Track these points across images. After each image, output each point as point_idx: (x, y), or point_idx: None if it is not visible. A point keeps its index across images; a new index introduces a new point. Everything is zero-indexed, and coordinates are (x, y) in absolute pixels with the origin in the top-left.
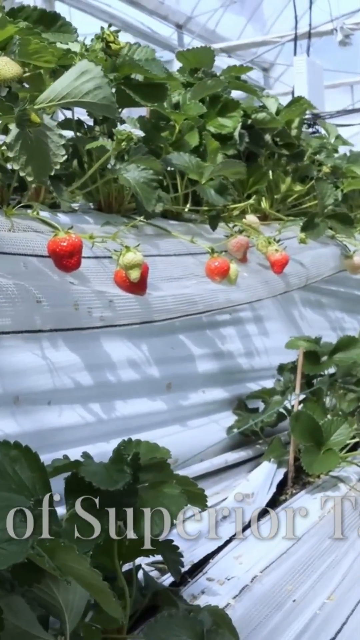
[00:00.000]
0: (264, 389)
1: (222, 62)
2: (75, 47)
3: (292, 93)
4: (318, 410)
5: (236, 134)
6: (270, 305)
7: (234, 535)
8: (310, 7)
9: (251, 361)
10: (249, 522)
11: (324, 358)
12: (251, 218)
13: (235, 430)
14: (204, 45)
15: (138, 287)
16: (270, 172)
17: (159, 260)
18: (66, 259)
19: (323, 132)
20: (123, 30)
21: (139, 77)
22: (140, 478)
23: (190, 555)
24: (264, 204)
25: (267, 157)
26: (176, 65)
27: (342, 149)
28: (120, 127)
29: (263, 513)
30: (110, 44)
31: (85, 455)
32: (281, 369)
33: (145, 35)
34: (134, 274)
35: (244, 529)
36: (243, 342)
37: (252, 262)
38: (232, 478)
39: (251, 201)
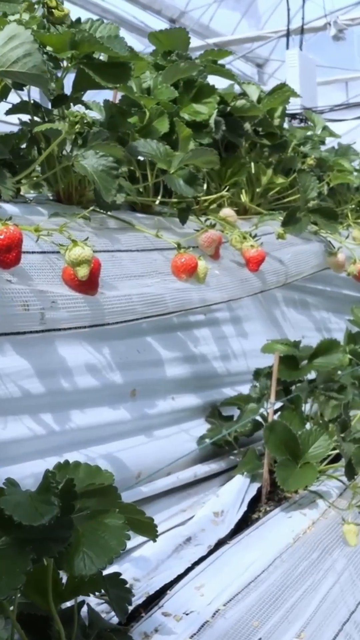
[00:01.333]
0: (240, 395)
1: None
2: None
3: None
4: (296, 420)
5: (212, 121)
6: (250, 305)
7: (198, 560)
8: (303, 2)
9: (227, 365)
10: (216, 545)
11: (304, 363)
12: (227, 211)
13: (206, 440)
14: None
15: (87, 286)
16: (252, 164)
17: (119, 257)
18: (3, 253)
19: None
20: (116, 24)
21: (104, 57)
22: (77, 507)
23: (146, 585)
24: (244, 197)
25: (249, 148)
26: None
27: (331, 142)
28: (73, 109)
29: (233, 534)
30: (53, 10)
31: (9, 482)
32: (257, 374)
33: (138, 29)
34: (82, 271)
35: (209, 553)
36: (218, 345)
37: (226, 259)
38: (202, 493)
39: (225, 193)
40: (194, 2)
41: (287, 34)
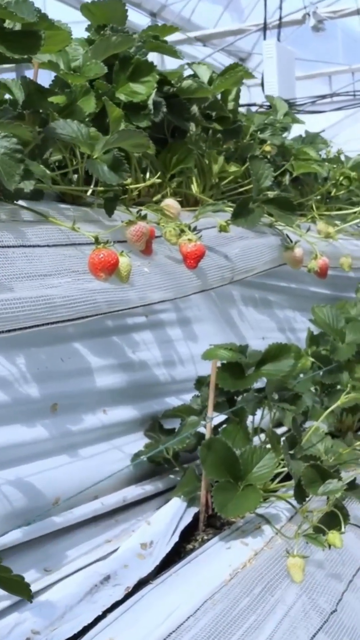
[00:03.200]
0: (183, 405)
1: (197, 52)
2: None
3: (262, 80)
4: (240, 435)
5: (150, 102)
6: (201, 305)
7: (113, 606)
8: None
9: (172, 371)
10: (137, 586)
11: (251, 370)
12: (170, 202)
13: (141, 457)
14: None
15: None
16: (202, 151)
17: (20, 253)
18: None
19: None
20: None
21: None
22: None
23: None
24: (196, 187)
25: (203, 134)
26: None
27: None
28: None
29: (159, 570)
30: None
31: None
32: (199, 382)
33: None
34: None
35: (127, 596)
36: (162, 349)
37: (161, 254)
38: (133, 519)
39: (156, 180)
40: None
41: (264, 25)
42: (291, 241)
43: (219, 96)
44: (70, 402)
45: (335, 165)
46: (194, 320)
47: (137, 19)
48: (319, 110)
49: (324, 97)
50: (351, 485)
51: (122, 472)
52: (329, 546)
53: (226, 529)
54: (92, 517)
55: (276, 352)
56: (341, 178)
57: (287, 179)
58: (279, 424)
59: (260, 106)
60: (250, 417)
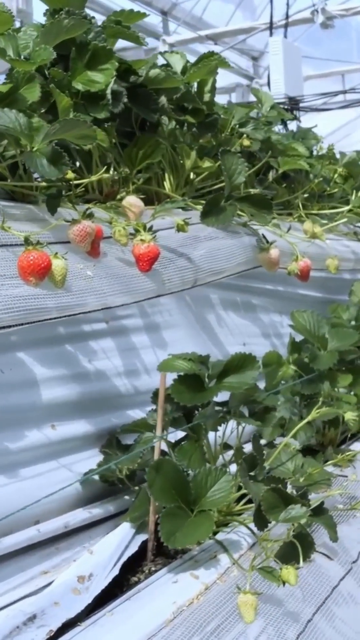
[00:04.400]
0: (142, 420)
1: (208, 50)
2: None
3: (268, 76)
4: (196, 455)
5: (108, 91)
6: (173, 310)
7: None
8: None
9: (136, 382)
10: (63, 627)
11: (212, 382)
12: (132, 200)
13: (86, 477)
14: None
15: None
16: (174, 145)
17: None
18: None
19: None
20: (105, 16)
21: None
22: None
23: None
24: (169, 184)
25: (177, 128)
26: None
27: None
28: None
29: (94, 608)
30: None
31: None
32: (156, 395)
33: None
34: None
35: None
36: (125, 358)
37: (111, 256)
38: (78, 546)
39: (105, 176)
40: None
41: (271, 21)
42: (267, 241)
43: (195, 87)
44: (12, 416)
45: (328, 162)
46: (163, 326)
47: (149, 18)
48: (329, 108)
49: (335, 94)
50: (317, 511)
51: (69, 493)
52: (283, 583)
53: (180, 557)
54: (30, 545)
55: (240, 363)
56: (335, 175)
57: (271, 175)
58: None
59: None
60: (217, 433)
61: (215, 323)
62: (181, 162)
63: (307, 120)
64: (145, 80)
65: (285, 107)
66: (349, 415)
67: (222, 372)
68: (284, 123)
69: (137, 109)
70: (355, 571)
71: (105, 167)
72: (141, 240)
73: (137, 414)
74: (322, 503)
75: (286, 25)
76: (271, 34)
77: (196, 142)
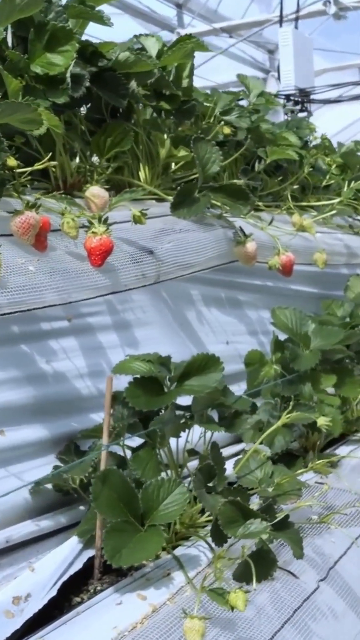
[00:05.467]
0: (100, 425)
1: (224, 43)
2: None
3: (278, 69)
4: (151, 464)
5: (68, 74)
6: (147, 306)
7: None
8: None
9: (100, 384)
10: None
11: (174, 385)
12: (96, 191)
13: (46, 485)
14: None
15: None
16: (148, 133)
17: None
18: None
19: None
20: (121, 9)
21: None
22: None
23: None
24: (144, 175)
25: (155, 115)
26: None
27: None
28: None
29: (27, 632)
30: None
31: None
32: (114, 399)
33: (143, 15)
34: None
35: None
36: (88, 358)
37: (60, 249)
38: (23, 561)
39: (52, 164)
40: None
41: (281, 11)
42: (243, 234)
43: (172, 72)
44: None
45: (323, 153)
46: (135, 324)
47: (163, 10)
48: (340, 100)
49: (346, 85)
50: (281, 525)
51: (16, 504)
52: (232, 608)
53: (131, 575)
54: None
55: (203, 364)
56: (333, 167)
57: (257, 165)
58: (239, 441)
59: (275, 96)
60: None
61: (195, 320)
62: (157, 151)
63: (320, 115)
64: (114, 64)
65: (296, 99)
66: (322, 421)
67: (183, 374)
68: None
69: (104, 95)
70: (322, 590)
71: (70, 156)
72: (93, 232)
73: (101, 417)
74: (287, 517)
75: (297, 16)
76: (281, 25)
77: (175, 130)
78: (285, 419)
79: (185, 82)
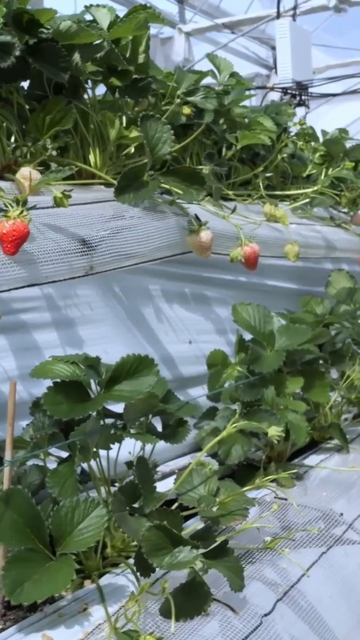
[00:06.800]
0: (19, 436)
1: (226, 39)
2: None
3: (274, 60)
4: (70, 481)
5: None
6: (95, 302)
7: None
8: None
9: (33, 389)
10: None
11: (102, 390)
12: (26, 172)
13: None
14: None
15: None
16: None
17: None
18: None
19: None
20: (120, 4)
21: None
22: None
23: None
24: (94, 157)
25: (111, 93)
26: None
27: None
28: None
29: None
30: None
31: None
32: (35, 406)
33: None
34: None
35: None
36: (20, 359)
37: None
38: None
39: None
40: None
41: (278, 3)
42: (198, 222)
43: (129, 48)
44: None
45: (304, 141)
46: (80, 322)
47: (165, 6)
48: (336, 93)
49: (343, 78)
50: (218, 553)
51: None
52: None
53: (41, 610)
54: None
55: (133, 367)
56: (316, 155)
57: (227, 151)
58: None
59: (271, 89)
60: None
61: (153, 318)
62: (106, 131)
63: (324, 112)
64: (54, 35)
65: (293, 92)
66: (273, 431)
67: (112, 378)
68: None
69: (43, 68)
70: (267, 627)
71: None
72: (6, 217)
73: None
74: (226, 542)
75: (295, 6)
76: (278, 16)
77: (131, 110)
78: (232, 428)
79: (141, 58)
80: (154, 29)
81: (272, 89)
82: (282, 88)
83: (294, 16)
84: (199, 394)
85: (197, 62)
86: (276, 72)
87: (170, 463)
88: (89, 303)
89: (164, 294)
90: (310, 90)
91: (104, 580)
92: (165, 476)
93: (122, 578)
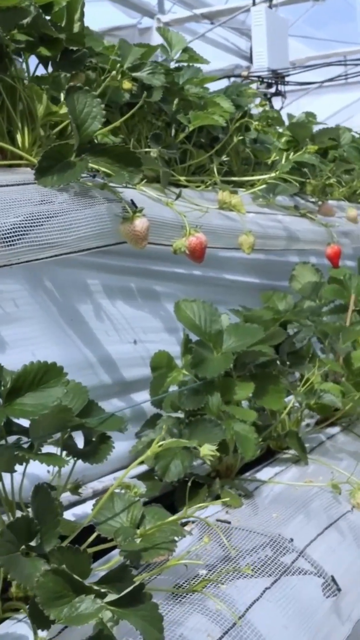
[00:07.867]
0: None
1: (205, 30)
2: None
3: (250, 49)
4: None
5: None
6: (21, 298)
7: None
8: None
9: None
10: None
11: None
12: None
13: None
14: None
15: None
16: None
17: None
18: None
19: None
20: (120, 4)
21: None
22: None
23: None
24: (20, 137)
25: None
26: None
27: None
28: None
29: None
30: None
31: None
32: None
33: (124, 0)
34: None
35: None
36: None
37: None
38: None
39: None
40: None
41: None
42: (133, 209)
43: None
44: None
45: (266, 124)
46: (2, 321)
47: None
48: (314, 82)
49: (320, 66)
50: (131, 598)
51: None
52: None
53: None
54: None
55: (37, 376)
56: (282, 140)
57: (179, 134)
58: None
59: (246, 77)
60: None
61: (91, 316)
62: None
63: (306, 104)
64: None
65: (269, 81)
66: (205, 450)
67: (13, 389)
68: (268, 99)
69: None
70: None
71: None
72: None
73: None
74: (142, 587)
75: None
76: (254, 3)
77: (65, 84)
78: (157, 447)
79: (76, 27)
80: (132, 19)
81: (246, 77)
82: (258, 76)
83: (270, 3)
84: (144, 399)
85: (176, 52)
86: (251, 60)
87: (106, 479)
88: (14, 299)
89: (105, 290)
90: (288, 80)
91: (2, 628)
92: (97, 494)
93: (24, 626)
